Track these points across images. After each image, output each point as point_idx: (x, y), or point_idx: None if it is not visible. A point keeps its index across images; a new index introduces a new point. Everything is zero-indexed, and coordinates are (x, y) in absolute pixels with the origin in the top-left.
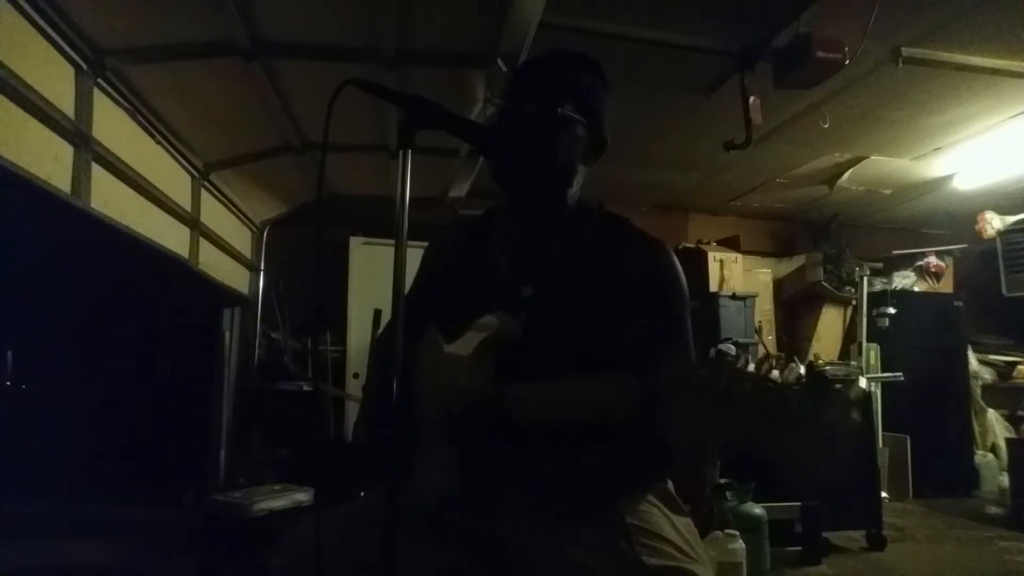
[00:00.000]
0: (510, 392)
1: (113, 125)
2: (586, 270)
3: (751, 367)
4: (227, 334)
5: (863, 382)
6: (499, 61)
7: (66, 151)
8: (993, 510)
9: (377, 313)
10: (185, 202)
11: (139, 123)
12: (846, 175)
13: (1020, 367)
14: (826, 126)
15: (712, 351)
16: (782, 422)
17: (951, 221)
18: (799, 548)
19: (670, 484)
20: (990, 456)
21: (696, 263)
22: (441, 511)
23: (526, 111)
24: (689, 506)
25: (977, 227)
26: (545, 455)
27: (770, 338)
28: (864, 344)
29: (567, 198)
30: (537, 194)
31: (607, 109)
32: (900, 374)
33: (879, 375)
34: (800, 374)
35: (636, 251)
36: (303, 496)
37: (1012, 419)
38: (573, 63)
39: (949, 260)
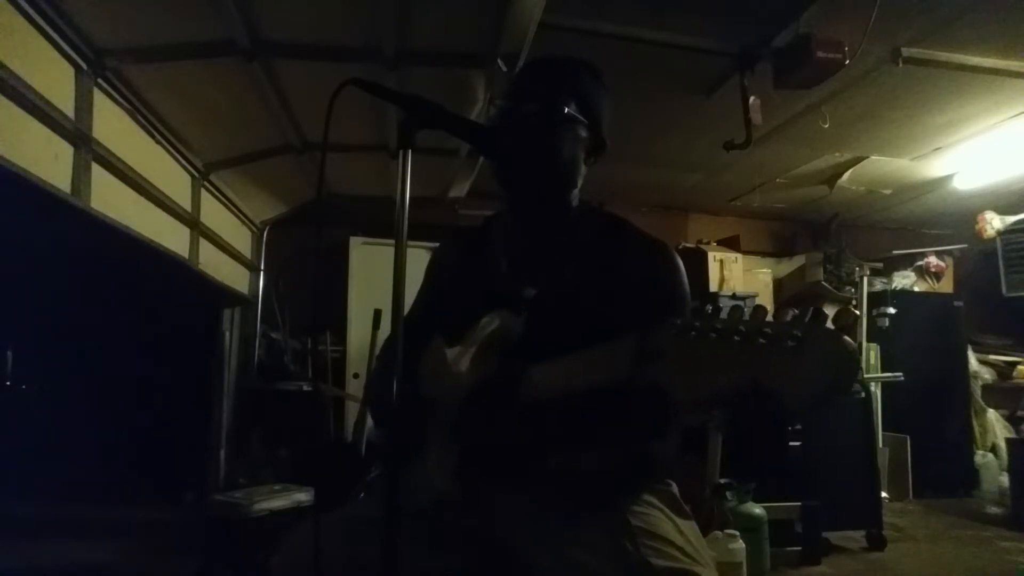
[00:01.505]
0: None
1: (113, 125)
2: (588, 270)
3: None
4: (227, 334)
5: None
6: (499, 61)
7: (66, 151)
8: (993, 510)
9: (377, 313)
10: (185, 202)
11: (139, 123)
12: (846, 175)
13: (1020, 367)
14: (826, 126)
15: (708, 306)
16: (777, 352)
17: (951, 221)
18: (799, 548)
19: (674, 486)
20: (990, 456)
21: (696, 263)
22: (436, 511)
23: (528, 110)
24: (690, 505)
25: (977, 227)
26: (545, 454)
27: None
28: (864, 344)
29: (570, 198)
30: (540, 194)
31: (606, 112)
32: (900, 374)
33: (879, 375)
34: (795, 313)
35: (639, 251)
36: (303, 496)
37: (1012, 419)
38: (573, 65)
39: (949, 260)
